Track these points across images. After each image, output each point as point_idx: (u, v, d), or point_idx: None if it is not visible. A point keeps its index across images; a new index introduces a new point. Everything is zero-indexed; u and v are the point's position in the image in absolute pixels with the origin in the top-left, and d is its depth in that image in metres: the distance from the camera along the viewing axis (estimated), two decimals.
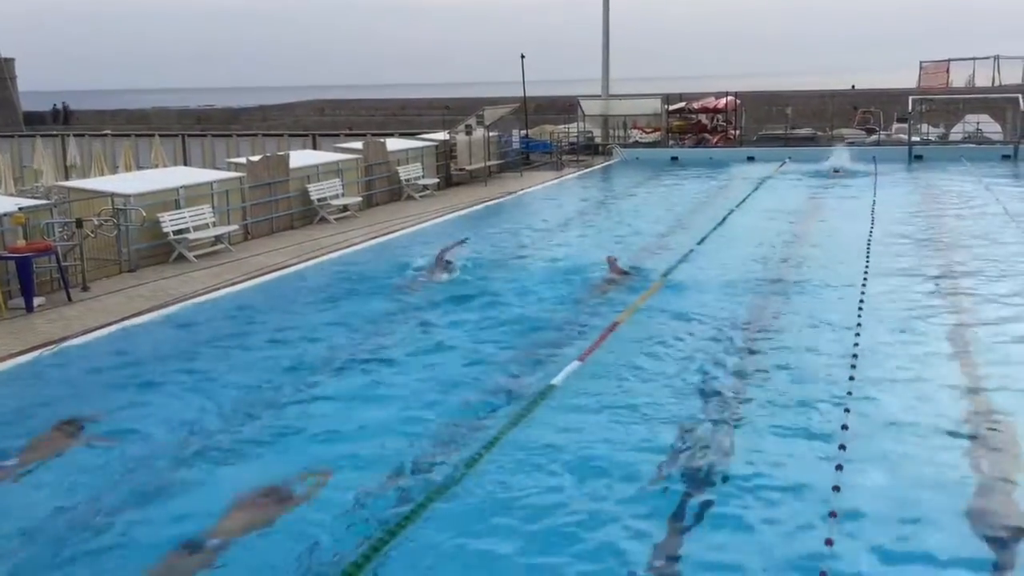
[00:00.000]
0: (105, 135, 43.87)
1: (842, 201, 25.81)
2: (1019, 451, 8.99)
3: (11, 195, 22.14)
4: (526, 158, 36.17)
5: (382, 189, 27.08)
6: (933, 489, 8.15)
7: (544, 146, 37.56)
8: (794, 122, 41.53)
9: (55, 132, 47.74)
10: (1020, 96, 35.85)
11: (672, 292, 15.53)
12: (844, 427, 9.30)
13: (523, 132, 37.19)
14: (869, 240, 19.31)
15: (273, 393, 10.93)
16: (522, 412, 10.02)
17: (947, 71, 50.70)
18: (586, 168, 34.91)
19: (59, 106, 62.60)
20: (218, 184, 20.57)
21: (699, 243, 19.64)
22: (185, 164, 35.63)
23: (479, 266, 17.69)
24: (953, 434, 9.39)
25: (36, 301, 14.79)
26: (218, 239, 19.58)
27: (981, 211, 23.13)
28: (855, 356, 11.66)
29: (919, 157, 34.87)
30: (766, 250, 18.88)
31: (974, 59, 49.92)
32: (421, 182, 28.34)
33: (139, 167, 33.08)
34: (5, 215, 15.32)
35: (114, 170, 32.99)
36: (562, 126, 40.60)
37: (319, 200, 23.40)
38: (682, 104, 42.05)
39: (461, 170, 30.80)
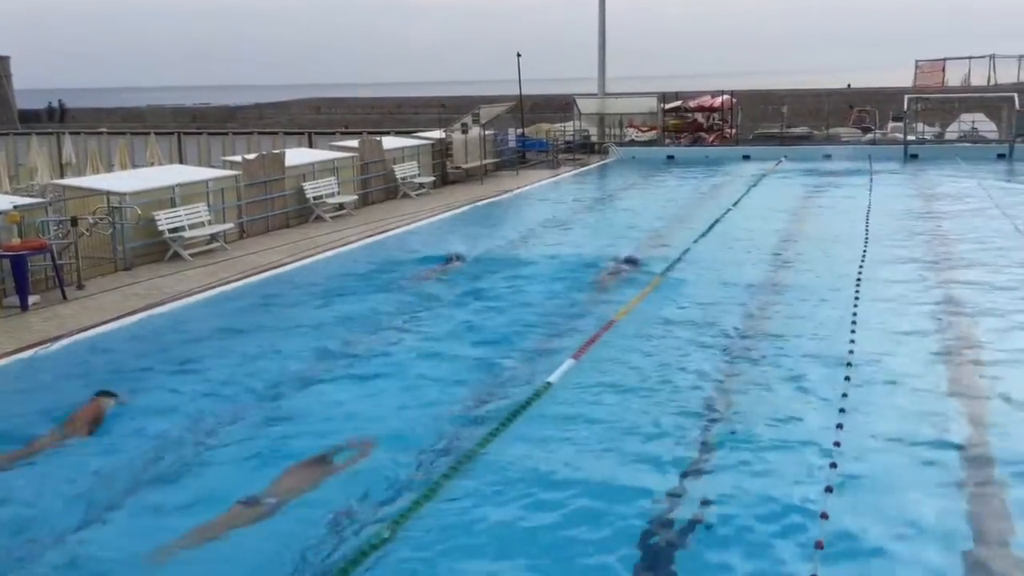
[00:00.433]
0: (101, 133, 43.73)
1: (838, 200, 25.84)
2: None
3: (6, 193, 22.06)
4: (522, 157, 36.15)
5: (378, 188, 27.05)
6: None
7: (540, 145, 37.54)
8: (790, 121, 41.55)
9: (50, 130, 47.54)
10: (1016, 95, 35.91)
11: (670, 290, 15.54)
12: (836, 444, 9.03)
13: (519, 131, 37.17)
14: (866, 237, 19.40)
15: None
16: (519, 410, 10.02)
17: (943, 70, 50.83)
18: (582, 167, 34.90)
19: (55, 104, 62.46)
20: (213, 182, 20.54)
21: (695, 241, 19.66)
22: (181, 162, 35.48)
23: (476, 264, 17.69)
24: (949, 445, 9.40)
25: (31, 299, 14.75)
26: (213, 237, 19.55)
27: (975, 208, 23.26)
28: (850, 355, 11.69)
29: (915, 156, 34.97)
30: (763, 249, 18.91)
31: (970, 58, 50.06)
32: (417, 180, 28.32)
33: (135, 165, 32.98)
34: (0, 213, 15.29)
35: (109, 168, 32.92)
36: (558, 125, 40.58)
37: (315, 198, 23.38)
38: (678, 103, 42.02)
39: (457, 168, 30.78)
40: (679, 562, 7.20)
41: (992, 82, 48.09)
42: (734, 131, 40.43)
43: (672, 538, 7.52)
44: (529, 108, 41.20)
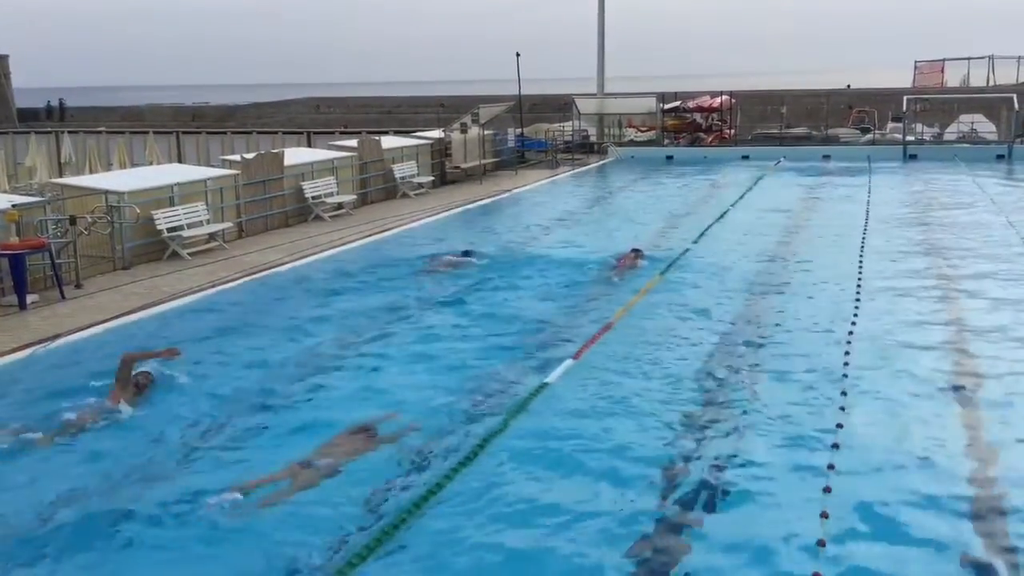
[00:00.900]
0: (99, 132, 43.64)
1: (836, 200, 25.83)
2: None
3: (5, 192, 22.04)
4: (521, 156, 36.13)
5: (377, 187, 27.04)
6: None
7: (539, 144, 37.52)
8: (789, 121, 41.56)
9: (49, 129, 47.43)
10: (1015, 96, 35.94)
11: (669, 289, 15.54)
12: (834, 445, 9.02)
13: (518, 130, 37.14)
14: (864, 235, 19.43)
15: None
16: (517, 408, 10.02)
17: (942, 71, 50.94)
18: (581, 167, 34.87)
19: (54, 103, 62.40)
20: (212, 181, 20.52)
21: (694, 241, 19.66)
22: (179, 161, 35.41)
23: (475, 263, 17.69)
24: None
25: (29, 298, 14.74)
26: (212, 236, 19.53)
27: (974, 208, 23.32)
28: (848, 352, 11.69)
29: (913, 156, 34.98)
30: (762, 248, 18.90)
31: (969, 59, 50.16)
32: (416, 180, 28.30)
33: (133, 164, 32.96)
34: None
35: (108, 167, 32.89)
36: (557, 125, 40.54)
37: (314, 198, 23.36)
38: (677, 103, 41.99)
39: (456, 168, 30.76)
40: (679, 562, 7.18)
41: (991, 83, 48.15)
42: (733, 131, 40.43)
43: (673, 538, 7.51)
44: (528, 108, 41.17)
